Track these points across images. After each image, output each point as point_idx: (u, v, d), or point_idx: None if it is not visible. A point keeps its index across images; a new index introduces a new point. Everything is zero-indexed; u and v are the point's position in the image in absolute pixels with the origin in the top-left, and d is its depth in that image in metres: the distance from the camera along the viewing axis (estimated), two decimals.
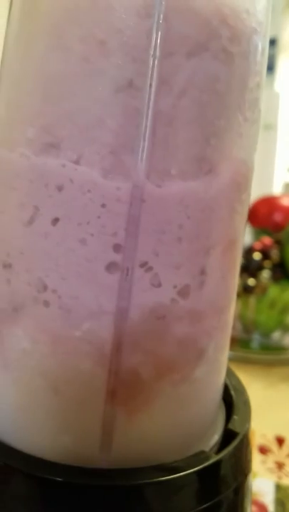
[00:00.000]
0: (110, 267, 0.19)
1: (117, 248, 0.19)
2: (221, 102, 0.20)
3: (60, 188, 0.19)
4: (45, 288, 0.20)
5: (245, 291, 0.68)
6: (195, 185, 0.19)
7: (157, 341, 0.20)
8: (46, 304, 0.20)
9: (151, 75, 0.18)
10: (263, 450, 0.49)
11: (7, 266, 0.20)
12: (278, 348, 0.68)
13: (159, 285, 0.20)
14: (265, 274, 0.68)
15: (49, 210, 0.19)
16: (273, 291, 0.68)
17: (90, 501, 0.19)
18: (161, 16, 0.18)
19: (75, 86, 0.19)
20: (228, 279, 0.22)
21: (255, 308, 0.68)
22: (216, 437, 0.23)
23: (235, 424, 0.23)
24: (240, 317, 0.68)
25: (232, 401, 0.25)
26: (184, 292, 0.20)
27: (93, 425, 0.20)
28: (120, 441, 0.20)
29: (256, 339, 0.69)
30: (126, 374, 0.20)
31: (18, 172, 0.20)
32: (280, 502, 0.43)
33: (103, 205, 0.19)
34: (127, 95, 0.18)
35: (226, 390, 0.26)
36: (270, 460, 0.47)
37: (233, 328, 0.71)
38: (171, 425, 0.21)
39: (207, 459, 0.21)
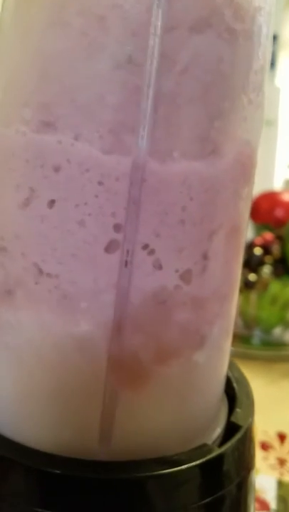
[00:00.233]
0: (110, 249, 0.18)
1: (116, 230, 0.18)
2: (225, 84, 0.19)
3: (56, 169, 0.18)
4: (41, 272, 0.19)
5: (247, 286, 0.67)
6: (198, 165, 0.19)
7: (158, 326, 0.19)
8: (43, 287, 0.19)
9: (152, 50, 0.18)
10: (265, 447, 0.48)
11: (2, 249, 0.20)
12: (279, 344, 0.68)
13: (161, 268, 0.19)
14: (267, 270, 0.68)
15: (45, 191, 0.19)
16: (274, 286, 0.67)
17: (89, 494, 0.19)
18: None
19: (74, 62, 0.18)
20: (231, 266, 0.21)
21: (256, 304, 0.67)
22: (218, 430, 0.23)
23: (238, 417, 0.23)
24: (241, 313, 0.68)
25: (235, 394, 0.24)
26: (186, 277, 0.19)
27: (92, 416, 0.20)
28: (120, 433, 0.20)
29: (257, 335, 0.68)
30: (126, 358, 0.19)
31: (14, 151, 0.19)
32: (282, 499, 0.42)
33: (102, 185, 0.18)
34: (127, 71, 0.18)
35: (229, 383, 0.25)
36: (272, 456, 0.47)
37: (234, 324, 0.71)
38: (172, 417, 0.21)
39: (210, 452, 0.20)
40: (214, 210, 0.20)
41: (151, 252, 0.19)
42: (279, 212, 0.80)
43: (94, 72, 0.18)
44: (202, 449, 0.21)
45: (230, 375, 0.25)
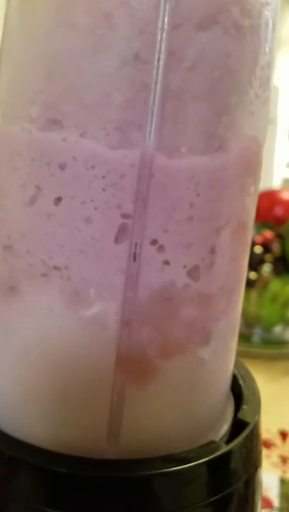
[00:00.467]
0: (118, 244, 0.18)
1: (124, 226, 0.18)
2: (232, 79, 0.19)
3: (62, 167, 0.18)
4: (48, 269, 0.19)
5: (247, 285, 0.67)
6: (205, 160, 0.19)
7: (165, 321, 0.19)
8: (50, 284, 0.19)
9: (160, 47, 0.18)
10: (267, 444, 0.48)
11: (7, 247, 0.20)
12: (280, 343, 0.68)
13: (169, 264, 0.19)
14: (267, 268, 0.68)
15: (51, 189, 0.19)
16: (275, 285, 0.67)
17: (97, 493, 0.19)
18: None
19: (81, 60, 0.18)
20: (237, 262, 0.21)
21: (257, 302, 0.67)
22: (225, 427, 0.23)
23: (245, 414, 0.23)
24: (242, 311, 0.68)
25: (241, 391, 0.24)
26: (193, 272, 0.19)
27: (100, 414, 0.20)
28: (128, 430, 0.20)
29: (258, 333, 0.68)
30: (134, 353, 0.19)
31: (19, 150, 0.19)
32: (284, 496, 0.42)
33: (108, 181, 0.18)
34: (134, 69, 0.18)
35: (235, 380, 0.25)
36: (274, 454, 0.47)
37: None
38: (180, 414, 0.21)
39: (217, 449, 0.20)
40: (221, 207, 0.20)
41: (160, 248, 0.19)
42: (278, 211, 0.80)
43: (101, 70, 0.18)
44: (210, 447, 0.20)
45: (236, 372, 0.25)
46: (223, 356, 0.22)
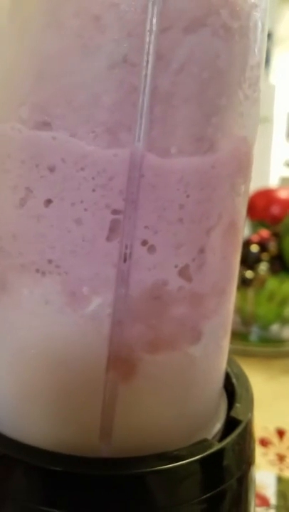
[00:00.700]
0: (109, 245, 0.19)
1: (115, 226, 0.18)
2: (221, 80, 0.19)
3: (51, 169, 0.18)
4: (39, 269, 0.19)
5: (244, 283, 0.67)
6: (195, 162, 0.19)
7: (156, 319, 0.20)
8: (41, 284, 0.19)
9: (148, 50, 0.18)
10: (264, 442, 0.48)
11: None
12: (277, 341, 0.68)
13: (159, 264, 0.19)
14: (263, 267, 0.68)
15: (41, 191, 0.19)
16: (272, 283, 0.67)
17: (91, 491, 0.19)
18: None
19: (70, 63, 0.18)
20: (228, 261, 0.21)
21: (254, 301, 0.67)
22: (218, 425, 0.23)
23: (237, 412, 0.23)
24: (239, 310, 0.68)
25: (234, 389, 0.25)
26: (184, 272, 0.19)
27: (93, 413, 0.20)
28: (120, 429, 0.20)
29: (255, 332, 0.68)
30: (125, 350, 0.19)
31: (9, 152, 0.19)
32: (281, 494, 0.42)
33: (98, 182, 0.18)
34: (123, 71, 0.18)
35: (228, 378, 0.25)
36: (272, 452, 0.47)
37: (232, 321, 0.70)
38: (172, 412, 0.21)
39: (210, 446, 0.21)
40: (211, 207, 0.20)
41: (150, 248, 0.19)
42: (275, 210, 0.80)
43: (90, 73, 0.18)
44: (202, 444, 0.21)
45: (229, 370, 0.25)
46: (214, 354, 0.22)
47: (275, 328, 0.69)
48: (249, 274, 0.67)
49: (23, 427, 0.21)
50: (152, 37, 0.18)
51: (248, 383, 0.25)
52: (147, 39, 0.18)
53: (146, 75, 0.18)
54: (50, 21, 0.19)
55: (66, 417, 0.20)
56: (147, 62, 0.18)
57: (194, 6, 0.18)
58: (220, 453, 0.21)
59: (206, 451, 0.20)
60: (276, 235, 0.73)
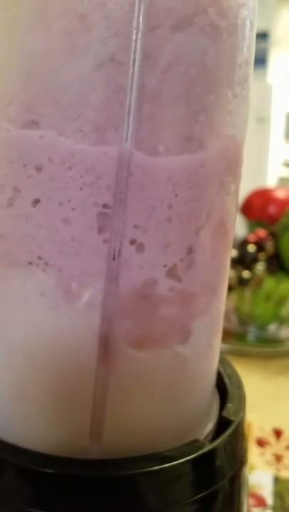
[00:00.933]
0: (98, 244, 0.19)
1: (103, 225, 0.18)
2: (209, 77, 0.19)
3: (39, 168, 0.18)
4: (28, 269, 0.19)
5: (241, 283, 0.67)
6: (183, 161, 0.19)
7: (145, 317, 0.19)
8: (30, 284, 0.19)
9: (135, 49, 0.18)
10: (261, 443, 0.48)
11: None
12: (275, 341, 0.68)
13: (148, 263, 0.19)
14: (260, 267, 0.68)
15: (29, 191, 0.19)
16: (269, 283, 0.67)
17: (81, 493, 0.19)
18: None
19: (57, 62, 0.18)
20: (218, 261, 0.21)
21: (251, 300, 0.67)
22: (210, 426, 0.23)
23: (229, 412, 0.23)
24: (236, 310, 0.68)
25: (226, 389, 0.25)
26: (173, 272, 0.19)
27: (83, 414, 0.20)
28: (111, 430, 0.20)
29: (252, 332, 0.68)
30: (115, 349, 0.19)
31: None
32: (278, 494, 0.42)
33: (86, 181, 0.18)
34: (110, 70, 0.18)
35: (220, 378, 0.25)
36: (269, 453, 0.47)
37: (229, 321, 0.70)
38: (162, 413, 0.21)
39: (201, 447, 0.20)
40: (200, 207, 0.20)
41: (139, 247, 0.19)
42: (272, 209, 0.80)
43: (77, 72, 0.18)
44: (193, 445, 0.21)
45: (221, 370, 0.25)
46: (205, 354, 0.22)
47: (272, 328, 0.69)
48: (246, 273, 0.67)
49: (12, 429, 0.21)
50: (139, 35, 0.18)
51: (240, 382, 0.25)
52: (134, 38, 0.18)
53: (133, 74, 0.18)
54: (38, 21, 0.19)
55: (56, 418, 0.20)
56: (134, 61, 0.18)
57: (182, 5, 0.18)
58: (211, 453, 0.21)
59: (197, 451, 0.20)
60: (273, 235, 0.73)
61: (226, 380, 0.25)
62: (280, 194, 0.85)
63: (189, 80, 0.19)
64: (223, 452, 0.21)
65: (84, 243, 0.19)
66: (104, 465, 0.19)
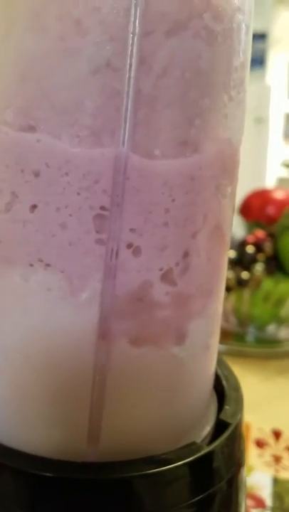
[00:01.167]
0: (94, 249, 0.19)
1: (100, 230, 0.19)
2: (205, 81, 0.19)
3: (36, 174, 0.18)
4: (25, 273, 0.19)
5: (239, 284, 0.67)
6: (179, 165, 0.19)
7: (141, 319, 0.20)
8: (28, 286, 0.19)
9: (131, 54, 0.18)
10: (260, 444, 0.48)
11: None
12: (274, 341, 0.68)
13: (144, 267, 0.19)
14: (259, 267, 0.68)
15: (27, 196, 0.19)
16: (267, 284, 0.67)
17: (79, 495, 0.19)
18: None
19: (52, 67, 0.18)
20: (214, 263, 0.21)
21: (250, 301, 0.67)
22: (207, 428, 0.23)
23: (227, 414, 0.23)
24: (235, 311, 0.68)
25: (224, 391, 0.25)
26: (169, 275, 0.19)
27: (80, 417, 0.20)
28: (108, 433, 0.20)
29: (251, 332, 0.68)
30: (111, 350, 0.19)
31: None
32: (277, 496, 0.42)
33: (83, 186, 0.18)
34: (106, 75, 0.18)
35: (218, 380, 0.25)
36: (267, 454, 0.47)
37: (228, 321, 0.70)
38: (159, 415, 0.21)
39: (198, 450, 0.21)
40: (197, 211, 0.20)
41: (136, 251, 0.19)
42: (271, 210, 0.81)
43: (72, 77, 0.18)
44: (190, 448, 0.21)
45: (219, 372, 0.25)
46: (202, 355, 0.22)
47: (271, 328, 0.69)
48: (245, 274, 0.67)
49: (9, 432, 0.21)
50: (135, 40, 0.18)
51: (238, 384, 0.25)
52: (130, 42, 0.18)
53: (129, 79, 0.18)
54: (34, 25, 0.19)
55: (53, 421, 0.20)
56: (130, 65, 0.18)
57: (176, 10, 0.18)
58: (208, 456, 0.21)
59: (193, 454, 0.20)
60: (272, 236, 0.73)
61: (224, 381, 0.25)
62: (279, 195, 0.85)
63: (184, 84, 0.19)
64: (221, 455, 0.21)
65: (81, 247, 0.19)
66: (101, 468, 0.19)
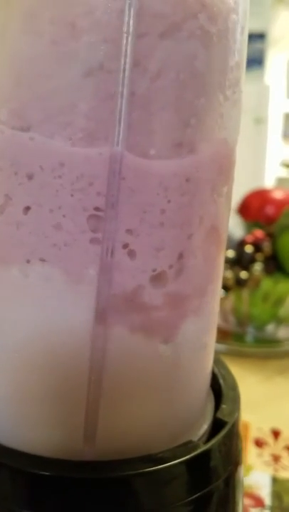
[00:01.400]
0: (90, 248, 0.19)
1: (95, 230, 0.19)
2: (200, 82, 0.19)
3: (30, 176, 0.19)
4: (21, 273, 0.19)
5: (238, 284, 0.67)
6: (174, 166, 0.19)
7: (136, 319, 0.20)
8: (24, 286, 0.19)
9: (125, 56, 0.18)
10: (259, 443, 0.48)
11: None
12: (273, 341, 0.68)
13: (139, 267, 0.19)
14: (258, 267, 0.68)
15: (20, 198, 0.19)
16: (266, 283, 0.67)
17: (76, 494, 0.19)
18: None
19: (46, 69, 0.18)
20: (210, 263, 0.21)
21: (249, 301, 0.67)
22: (204, 427, 0.23)
23: (223, 413, 0.23)
24: (234, 311, 0.68)
25: (221, 390, 0.25)
26: (164, 275, 0.20)
27: (77, 416, 0.20)
28: (105, 432, 0.20)
29: (250, 332, 0.68)
30: (106, 350, 0.20)
31: None
32: (276, 495, 0.42)
33: (77, 187, 0.18)
34: (99, 78, 0.18)
35: (215, 379, 0.25)
36: (266, 453, 0.47)
37: (227, 321, 0.70)
38: (156, 414, 0.21)
39: (195, 448, 0.21)
40: (193, 212, 0.20)
41: (131, 252, 0.19)
42: (269, 210, 0.81)
43: (66, 79, 0.18)
44: (187, 446, 0.21)
45: (216, 371, 0.25)
46: (198, 354, 0.22)
47: (270, 328, 0.69)
48: (244, 274, 0.67)
49: (6, 431, 0.21)
50: (129, 41, 0.18)
51: (235, 383, 0.25)
52: (123, 46, 0.18)
53: (123, 81, 0.18)
54: (28, 28, 0.19)
55: (50, 421, 0.20)
56: (124, 67, 0.18)
57: (171, 11, 0.18)
58: (205, 454, 0.21)
59: (191, 452, 0.20)
60: (270, 236, 0.73)
61: (221, 380, 0.25)
62: (278, 195, 0.85)
63: (179, 85, 0.19)
64: (218, 453, 0.21)
65: (76, 247, 0.19)
66: (98, 466, 0.20)
